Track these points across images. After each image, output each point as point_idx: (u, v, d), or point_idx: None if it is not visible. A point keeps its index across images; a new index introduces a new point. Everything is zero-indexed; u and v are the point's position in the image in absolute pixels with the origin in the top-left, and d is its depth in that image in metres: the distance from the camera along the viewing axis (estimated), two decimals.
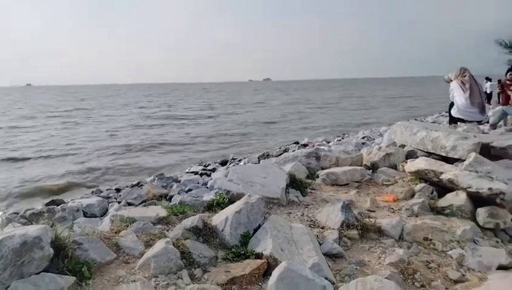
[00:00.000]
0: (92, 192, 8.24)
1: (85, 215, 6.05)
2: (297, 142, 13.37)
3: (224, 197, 2.96)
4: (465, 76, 6.70)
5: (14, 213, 6.32)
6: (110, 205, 6.60)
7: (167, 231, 2.33)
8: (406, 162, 4.01)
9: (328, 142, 12.81)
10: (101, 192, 8.07)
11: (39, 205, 7.07)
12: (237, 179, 3.11)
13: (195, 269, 1.98)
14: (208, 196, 3.20)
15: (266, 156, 10.80)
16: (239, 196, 2.79)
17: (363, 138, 12.44)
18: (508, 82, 8.84)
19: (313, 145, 11.71)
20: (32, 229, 1.70)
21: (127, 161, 11.47)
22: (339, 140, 13.19)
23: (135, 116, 24.94)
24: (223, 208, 2.73)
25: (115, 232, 2.19)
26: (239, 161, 10.81)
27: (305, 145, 12.21)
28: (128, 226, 2.26)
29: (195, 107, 33.47)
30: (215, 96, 54.66)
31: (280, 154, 10.70)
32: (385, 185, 3.72)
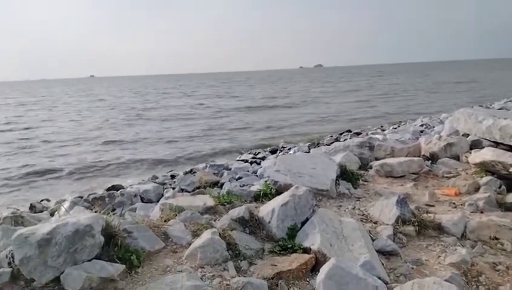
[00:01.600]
0: (149, 178, 8.59)
1: (142, 200, 6.33)
2: (349, 131, 12.95)
3: (271, 188, 2.91)
4: None
5: (79, 197, 6.77)
6: (165, 190, 6.86)
7: (215, 221, 2.33)
8: (470, 153, 3.68)
9: (384, 130, 12.26)
10: (157, 178, 8.40)
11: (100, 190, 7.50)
12: (284, 170, 3.04)
13: (241, 261, 1.96)
14: (256, 186, 3.16)
15: (317, 144, 10.58)
16: (286, 187, 2.72)
17: (421, 125, 11.72)
18: None
19: (367, 134, 11.27)
20: (84, 217, 1.77)
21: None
22: (395, 128, 12.57)
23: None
24: (270, 199, 2.68)
25: (165, 221, 2.23)
26: (289, 149, 10.72)
27: (358, 134, 11.78)
28: (176, 215, 2.30)
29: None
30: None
31: (331, 143, 10.44)
32: (446, 177, 3.45)
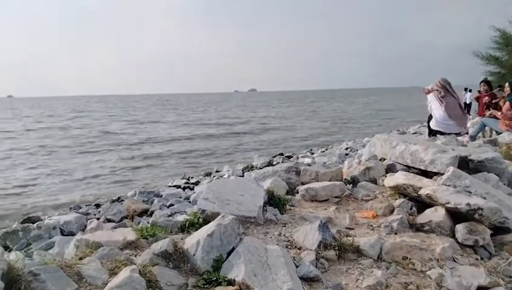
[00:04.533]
0: (71, 208, 8.02)
1: (62, 233, 5.85)
2: (281, 154, 13.34)
3: (199, 217, 2.86)
4: (442, 88, 6.77)
5: None
6: (89, 221, 6.42)
7: (135, 256, 2.21)
8: (386, 176, 3.98)
9: (313, 154, 12.83)
10: (80, 208, 7.87)
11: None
12: (213, 197, 3.01)
13: None
14: (183, 216, 3.09)
15: (250, 168, 10.73)
16: (214, 216, 2.69)
17: (346, 148, 12.50)
18: (482, 93, 9.03)
19: (297, 157, 11.70)
20: None
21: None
22: (323, 151, 13.24)
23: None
24: (197, 229, 2.62)
25: (79, 259, 2.06)
26: (222, 172, 10.71)
27: (289, 157, 12.19)
28: (92, 252, 2.14)
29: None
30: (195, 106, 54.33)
31: (264, 167, 10.64)
32: (365, 200, 3.68)
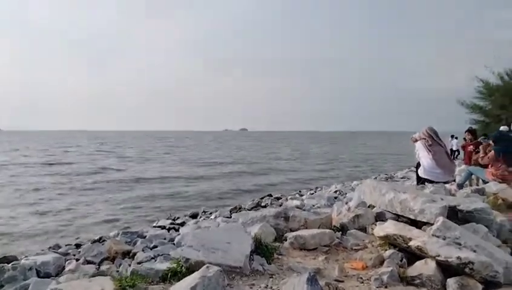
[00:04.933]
0: (50, 247, 7.70)
1: (38, 274, 5.55)
2: (270, 195, 13.22)
3: (181, 266, 2.74)
4: (429, 137, 6.89)
5: None
6: (67, 262, 6.13)
7: None
8: (375, 225, 3.92)
9: (302, 195, 12.75)
10: (60, 247, 7.56)
11: None
12: (197, 245, 2.90)
13: None
14: (164, 264, 2.96)
15: (239, 209, 10.57)
16: (198, 265, 2.58)
17: (335, 191, 12.47)
18: (467, 142, 9.23)
19: (286, 199, 11.60)
20: None
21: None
22: (312, 193, 13.17)
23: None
24: (179, 279, 2.51)
25: None
26: (210, 213, 10.51)
27: (278, 198, 12.08)
28: None
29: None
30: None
31: (252, 208, 10.50)
32: (355, 249, 3.59)
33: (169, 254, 6.41)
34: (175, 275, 2.64)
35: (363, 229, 4.07)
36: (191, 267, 2.66)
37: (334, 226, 4.19)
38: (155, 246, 6.97)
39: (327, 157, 34.55)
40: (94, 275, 3.19)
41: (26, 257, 6.57)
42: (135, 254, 6.51)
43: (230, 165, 26.32)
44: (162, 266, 2.80)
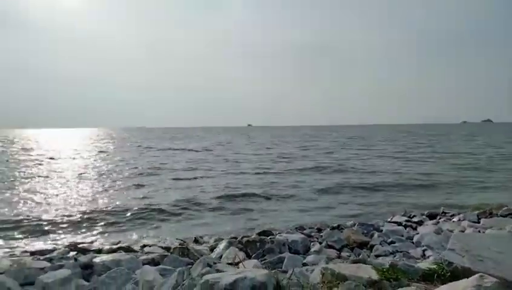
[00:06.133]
0: (296, 228, 8.73)
1: (290, 250, 6.43)
2: None
3: (444, 268, 2.57)
4: None
5: (234, 238, 7.30)
6: (312, 244, 6.85)
7: None
8: None
9: None
10: (304, 229, 8.47)
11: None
12: (460, 250, 2.65)
13: None
14: (423, 263, 2.85)
15: (489, 214, 9.05)
16: (465, 272, 2.37)
17: None
18: None
19: None
20: (260, 274, 1.89)
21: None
22: None
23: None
24: (443, 282, 2.37)
25: (328, 288, 2.20)
26: (452, 215, 9.44)
27: None
28: (339, 283, 2.24)
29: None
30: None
31: (507, 215, 8.76)
32: None
33: (408, 252, 6.18)
34: (438, 276, 2.51)
35: None
36: (455, 272, 2.47)
37: None
38: (392, 242, 6.87)
39: None
40: (354, 262, 3.43)
41: (279, 233, 7.73)
42: (372, 246, 6.61)
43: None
44: (422, 265, 2.72)
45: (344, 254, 6.38)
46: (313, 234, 7.93)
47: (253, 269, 2.07)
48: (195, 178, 15.83)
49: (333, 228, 8.05)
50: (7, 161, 23.67)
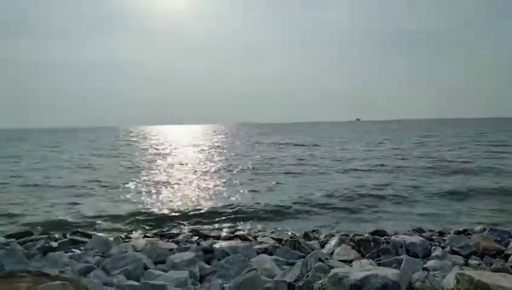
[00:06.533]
0: (414, 230, 8.18)
1: (407, 253, 6.05)
2: None
3: None
4: None
5: (345, 235, 7.17)
6: (433, 248, 6.32)
7: None
8: None
9: None
10: (424, 232, 7.90)
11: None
12: None
13: None
14: None
15: None
16: None
17: None
18: None
19: None
20: (391, 273, 1.83)
21: None
22: None
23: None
24: None
25: None
26: None
27: None
28: None
29: None
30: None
31: None
32: None
33: None
34: None
35: None
36: None
37: None
38: None
39: None
40: (495, 270, 3.08)
41: (395, 234, 7.31)
42: (508, 256, 5.82)
43: None
44: None
45: (471, 261, 5.72)
46: (434, 237, 7.32)
47: (378, 268, 2.01)
48: (303, 173, 15.96)
49: (458, 233, 7.30)
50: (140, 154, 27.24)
